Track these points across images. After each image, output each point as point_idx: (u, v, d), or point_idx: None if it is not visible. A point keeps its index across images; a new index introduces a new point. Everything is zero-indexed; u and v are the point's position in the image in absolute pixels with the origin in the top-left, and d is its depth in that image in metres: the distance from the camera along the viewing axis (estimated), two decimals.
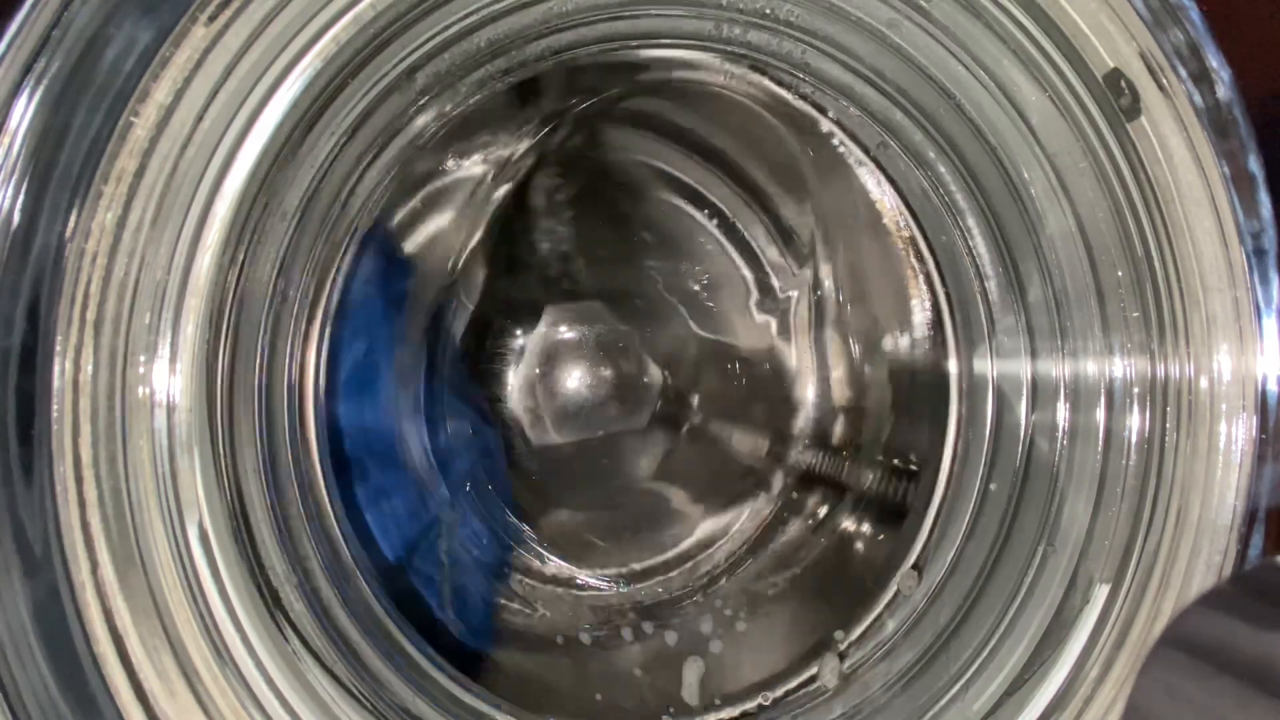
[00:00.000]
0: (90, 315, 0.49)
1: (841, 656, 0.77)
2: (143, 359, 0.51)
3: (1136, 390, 0.66)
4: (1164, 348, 0.64)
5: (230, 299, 0.56)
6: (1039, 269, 0.71)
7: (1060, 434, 0.72)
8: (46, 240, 0.47)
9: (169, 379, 0.53)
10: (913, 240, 0.82)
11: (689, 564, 0.93)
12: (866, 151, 0.81)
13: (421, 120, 0.69)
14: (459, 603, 0.82)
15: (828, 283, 0.90)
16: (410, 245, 0.80)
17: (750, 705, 0.78)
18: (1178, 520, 0.62)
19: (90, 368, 0.49)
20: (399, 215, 0.78)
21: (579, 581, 0.89)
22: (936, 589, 0.78)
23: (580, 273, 0.92)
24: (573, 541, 0.91)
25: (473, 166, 0.82)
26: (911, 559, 0.79)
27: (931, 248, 0.81)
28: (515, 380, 0.88)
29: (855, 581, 0.84)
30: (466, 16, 0.64)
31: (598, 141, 0.89)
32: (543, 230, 0.91)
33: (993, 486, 0.77)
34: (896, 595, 0.80)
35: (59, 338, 0.48)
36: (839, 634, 0.78)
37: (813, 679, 0.78)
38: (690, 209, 0.92)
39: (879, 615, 0.80)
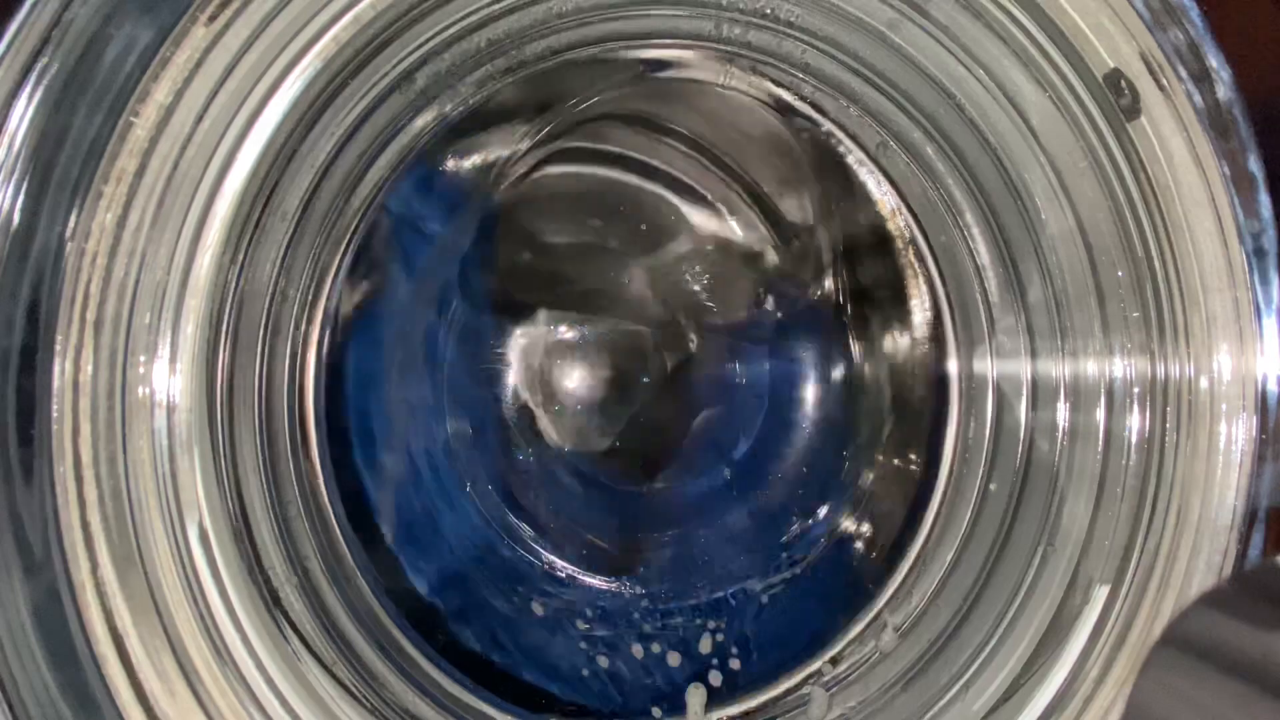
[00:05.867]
0: (90, 315, 0.49)
1: (829, 692, 0.77)
2: (143, 359, 0.51)
3: (1136, 390, 0.66)
4: (1164, 348, 0.64)
5: (230, 299, 0.56)
6: (1039, 269, 0.71)
7: (1060, 434, 0.72)
8: (46, 240, 0.47)
9: (169, 379, 0.53)
10: (913, 240, 0.82)
11: (690, 563, 0.93)
12: (866, 151, 0.81)
13: (421, 120, 0.70)
14: (459, 602, 0.82)
15: (827, 283, 0.90)
16: (410, 246, 0.80)
17: (751, 705, 0.78)
18: (1178, 520, 0.62)
19: (90, 368, 0.49)
20: (398, 215, 0.78)
21: (579, 581, 0.89)
22: (936, 589, 0.78)
23: (580, 273, 0.92)
24: (573, 542, 0.90)
25: (472, 167, 0.82)
26: (884, 601, 0.79)
27: (931, 248, 0.81)
28: (515, 380, 0.88)
29: (855, 582, 0.83)
30: (466, 16, 0.64)
31: (597, 141, 0.89)
32: (542, 230, 0.91)
33: (993, 486, 0.77)
34: (896, 595, 0.80)
35: (59, 338, 0.48)
36: (826, 668, 0.78)
37: (813, 676, 0.78)
38: (690, 209, 0.92)
39: (878, 615, 0.80)
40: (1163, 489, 0.64)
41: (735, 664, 0.82)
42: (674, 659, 0.83)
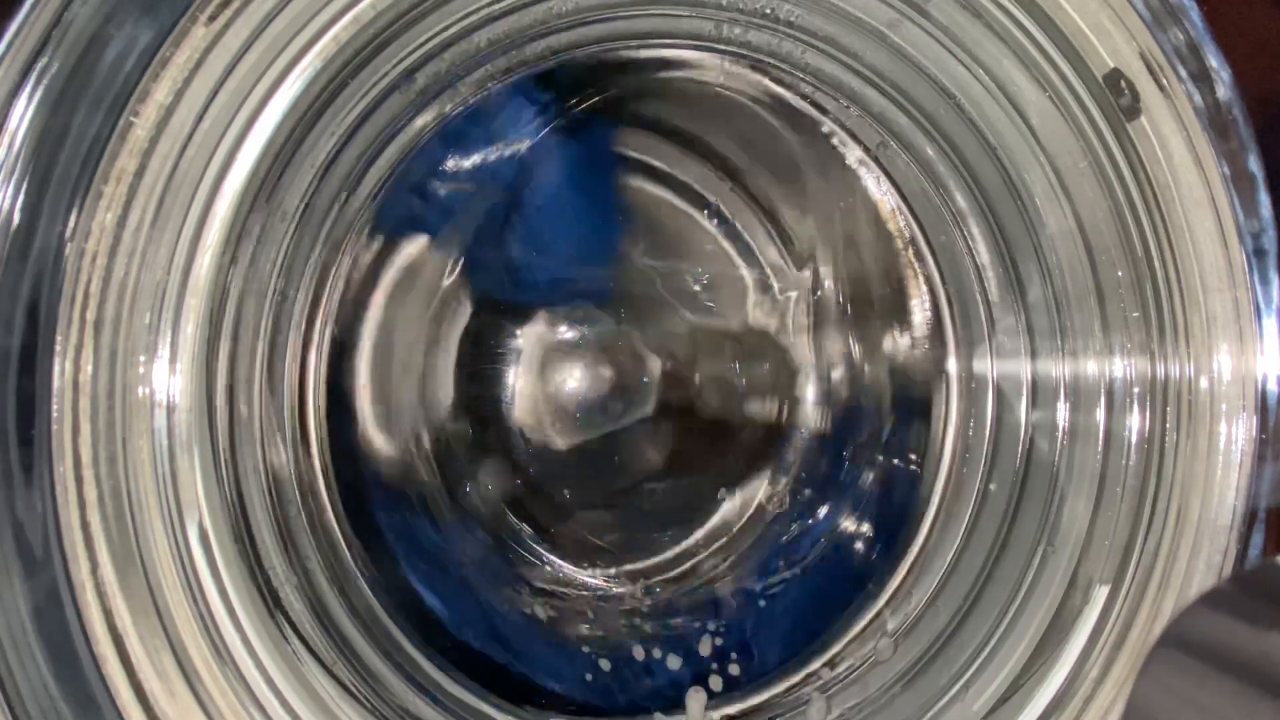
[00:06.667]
0: (90, 315, 0.49)
1: (827, 694, 0.76)
2: (143, 359, 0.52)
3: (1136, 390, 0.66)
4: (1164, 348, 0.64)
5: (230, 299, 0.56)
6: (1039, 269, 0.71)
7: (1060, 434, 0.72)
8: (46, 240, 0.47)
9: (169, 379, 0.53)
10: (913, 240, 0.82)
11: (690, 563, 0.93)
12: (867, 151, 0.81)
13: (421, 120, 0.70)
14: (459, 602, 0.82)
15: (827, 283, 0.90)
16: (409, 246, 0.80)
17: (750, 705, 0.78)
18: (1178, 520, 0.62)
19: (90, 368, 0.49)
20: (398, 215, 0.78)
21: (580, 581, 0.89)
22: (936, 589, 0.78)
23: (580, 273, 0.92)
24: (573, 541, 0.91)
25: (472, 166, 0.82)
26: (884, 601, 0.79)
27: (931, 248, 0.81)
28: (514, 380, 0.88)
29: (855, 582, 0.83)
30: (466, 16, 0.64)
31: (597, 141, 0.89)
32: (542, 230, 0.91)
33: (993, 486, 0.77)
34: (895, 595, 0.80)
35: (59, 338, 0.48)
36: (825, 671, 0.78)
37: (813, 677, 0.78)
38: (690, 209, 0.92)
39: (878, 615, 0.80)
40: (1163, 489, 0.64)
41: (735, 664, 0.82)
42: (674, 659, 0.83)
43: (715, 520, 0.95)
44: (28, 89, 0.46)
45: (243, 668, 0.55)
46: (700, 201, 0.92)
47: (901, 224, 0.82)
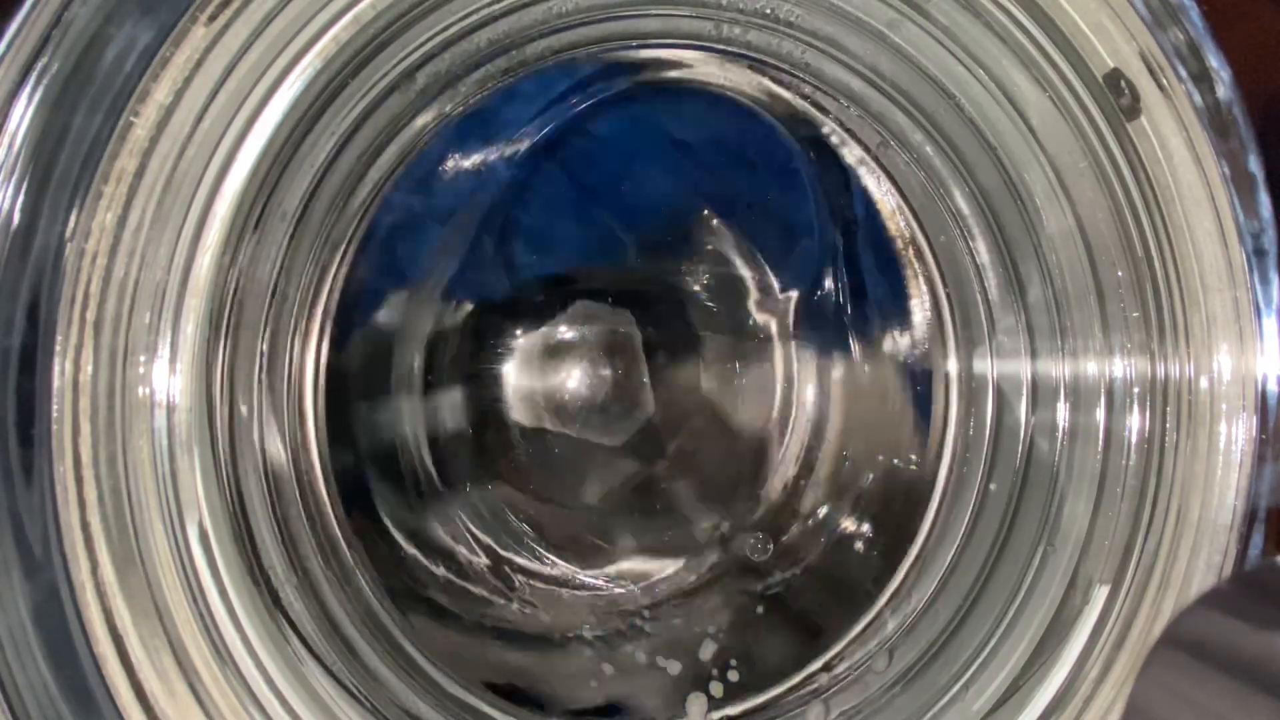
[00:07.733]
0: (90, 315, 0.49)
1: (826, 696, 0.76)
2: (143, 359, 0.52)
3: (1136, 390, 0.66)
4: (1164, 348, 0.64)
5: (230, 299, 0.56)
6: (1039, 269, 0.71)
7: (1060, 434, 0.72)
8: (46, 240, 0.47)
9: (169, 379, 0.53)
10: (913, 240, 0.82)
11: (690, 562, 0.93)
12: (867, 151, 0.81)
13: (421, 120, 0.70)
14: (460, 603, 0.82)
15: (828, 283, 0.90)
16: (409, 245, 0.80)
17: (751, 705, 0.78)
18: (1178, 520, 0.62)
19: (90, 368, 0.49)
20: (398, 215, 0.78)
21: (580, 582, 0.89)
22: (936, 589, 0.78)
23: (580, 272, 0.92)
24: (573, 541, 0.91)
25: (472, 166, 0.82)
26: (884, 601, 0.79)
27: (931, 248, 0.81)
28: (514, 380, 0.88)
29: (855, 583, 0.83)
30: (466, 16, 0.64)
31: (598, 141, 0.89)
32: (543, 229, 0.91)
33: (993, 486, 0.77)
34: (896, 595, 0.80)
35: (59, 338, 0.48)
36: (824, 677, 0.78)
37: (813, 677, 0.78)
38: (690, 209, 0.92)
39: (878, 615, 0.80)
40: (1163, 489, 0.64)
41: (736, 665, 0.82)
42: (675, 660, 0.83)
43: (715, 521, 0.95)
44: (28, 89, 0.46)
45: (243, 668, 0.55)
46: (701, 201, 0.92)
47: (901, 224, 0.82)
